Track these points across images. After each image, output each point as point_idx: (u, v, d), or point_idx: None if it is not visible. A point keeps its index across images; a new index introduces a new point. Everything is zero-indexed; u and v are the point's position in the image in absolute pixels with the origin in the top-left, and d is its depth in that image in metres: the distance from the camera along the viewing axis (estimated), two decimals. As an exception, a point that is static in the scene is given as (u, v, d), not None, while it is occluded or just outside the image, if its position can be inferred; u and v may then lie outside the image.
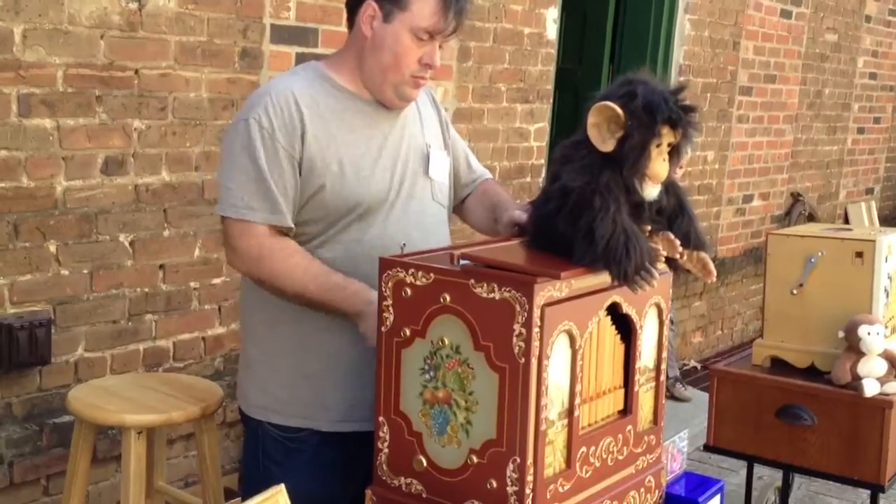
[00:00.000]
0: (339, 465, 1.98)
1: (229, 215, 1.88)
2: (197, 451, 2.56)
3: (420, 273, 1.62)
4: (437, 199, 2.05)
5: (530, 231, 1.76)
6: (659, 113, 1.58)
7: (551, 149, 4.39)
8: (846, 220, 7.58)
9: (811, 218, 6.81)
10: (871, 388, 2.48)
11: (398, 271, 1.65)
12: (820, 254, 2.62)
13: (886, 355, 2.52)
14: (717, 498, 1.99)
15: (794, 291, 2.65)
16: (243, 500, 1.74)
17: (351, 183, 1.90)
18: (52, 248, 2.80)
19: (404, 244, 1.83)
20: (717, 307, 6.17)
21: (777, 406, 2.62)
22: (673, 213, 1.73)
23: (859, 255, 2.57)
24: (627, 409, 1.77)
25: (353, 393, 1.92)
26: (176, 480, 3.15)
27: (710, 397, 2.75)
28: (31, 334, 2.74)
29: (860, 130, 7.65)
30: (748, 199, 6.32)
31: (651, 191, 1.66)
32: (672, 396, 4.99)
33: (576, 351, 1.61)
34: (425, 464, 1.66)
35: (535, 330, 1.52)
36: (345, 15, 2.01)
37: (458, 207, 2.23)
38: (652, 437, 1.84)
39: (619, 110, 1.59)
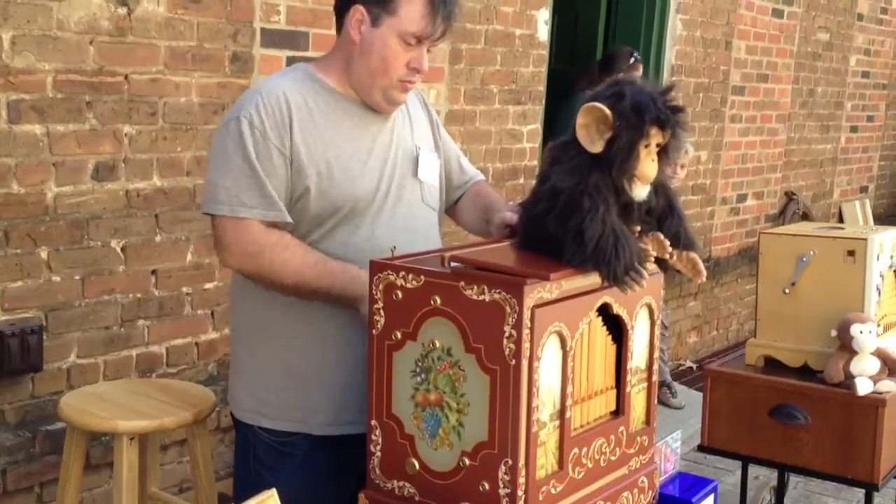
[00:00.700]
0: (330, 469, 1.97)
1: (223, 213, 1.88)
2: (190, 457, 2.55)
3: (410, 276, 1.62)
4: (427, 202, 2.05)
5: (520, 232, 1.76)
6: (647, 113, 1.58)
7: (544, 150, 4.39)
8: (840, 219, 7.59)
9: (805, 217, 6.82)
10: (863, 387, 2.48)
11: (389, 274, 1.65)
12: (812, 253, 2.62)
13: (879, 354, 2.52)
14: (711, 498, 1.99)
15: (787, 290, 2.65)
16: (235, 505, 1.74)
17: (338, 183, 1.90)
18: (44, 255, 2.79)
19: (395, 247, 1.83)
20: (711, 307, 6.17)
21: (771, 405, 2.62)
22: (662, 213, 1.72)
23: (851, 253, 2.58)
24: (619, 410, 1.77)
25: (343, 396, 1.92)
26: (170, 486, 3.14)
27: (704, 397, 2.75)
28: (23, 341, 2.73)
29: (853, 129, 7.66)
30: (742, 198, 6.32)
31: (640, 191, 1.66)
32: (661, 402, 4.95)
33: (567, 352, 1.61)
34: (418, 467, 1.65)
35: (526, 331, 1.52)
36: (333, 19, 2.01)
37: (451, 209, 2.23)
38: (644, 437, 1.84)
39: (608, 111, 1.59)
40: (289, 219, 1.88)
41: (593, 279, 1.63)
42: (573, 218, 1.59)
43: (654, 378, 1.86)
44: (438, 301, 1.59)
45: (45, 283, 2.81)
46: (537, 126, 4.58)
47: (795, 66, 6.59)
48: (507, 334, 1.52)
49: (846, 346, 2.51)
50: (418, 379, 1.63)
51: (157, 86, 2.97)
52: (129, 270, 3.00)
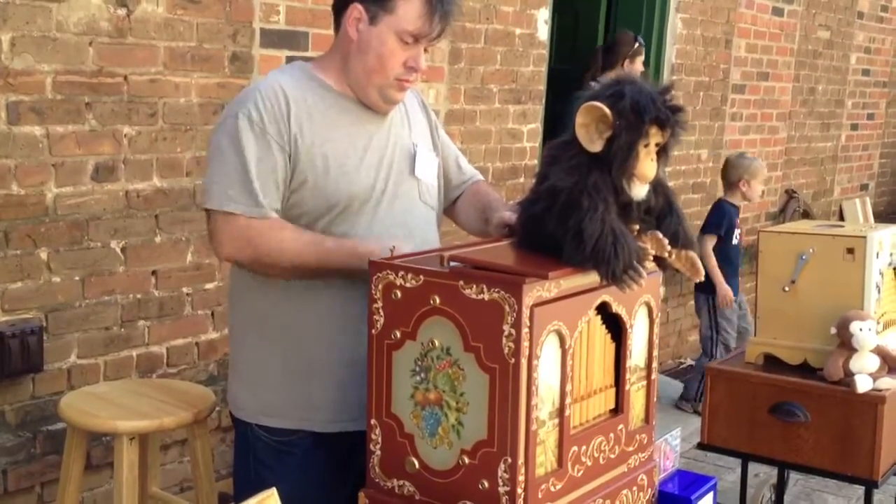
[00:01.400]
0: (330, 468, 1.98)
1: (213, 207, 1.88)
2: (190, 457, 2.56)
3: (410, 275, 1.63)
4: (425, 200, 2.05)
5: (519, 232, 1.76)
6: (646, 113, 1.58)
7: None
8: (841, 217, 7.59)
9: (806, 215, 6.82)
10: (863, 384, 2.48)
11: (388, 273, 1.65)
12: (811, 250, 2.62)
13: (878, 351, 2.52)
14: (710, 495, 1.99)
15: (786, 288, 2.65)
16: (235, 504, 1.74)
17: (334, 179, 1.90)
18: (44, 256, 2.79)
19: (394, 247, 1.83)
20: (712, 305, 6.17)
21: (770, 403, 2.62)
22: (661, 212, 1.73)
23: (850, 251, 2.58)
24: (619, 408, 1.77)
25: (343, 393, 1.92)
26: (171, 486, 3.15)
27: (704, 395, 2.76)
28: (23, 342, 2.73)
29: (854, 127, 7.66)
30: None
31: (639, 190, 1.66)
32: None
33: (566, 350, 1.61)
34: (417, 465, 1.66)
35: (525, 330, 1.52)
36: (332, 17, 2.01)
37: (450, 209, 2.24)
38: (644, 435, 1.84)
39: (607, 110, 1.60)
40: (273, 216, 1.88)
41: (592, 278, 1.63)
42: (572, 217, 1.60)
43: (654, 376, 1.86)
44: (437, 300, 1.59)
45: (45, 284, 2.81)
46: (537, 125, 4.58)
47: (796, 64, 6.59)
48: (506, 333, 1.53)
49: (846, 344, 2.51)
50: (418, 378, 1.64)
51: (156, 86, 2.98)
52: (129, 271, 3.00)
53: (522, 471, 1.56)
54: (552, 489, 1.62)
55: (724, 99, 5.91)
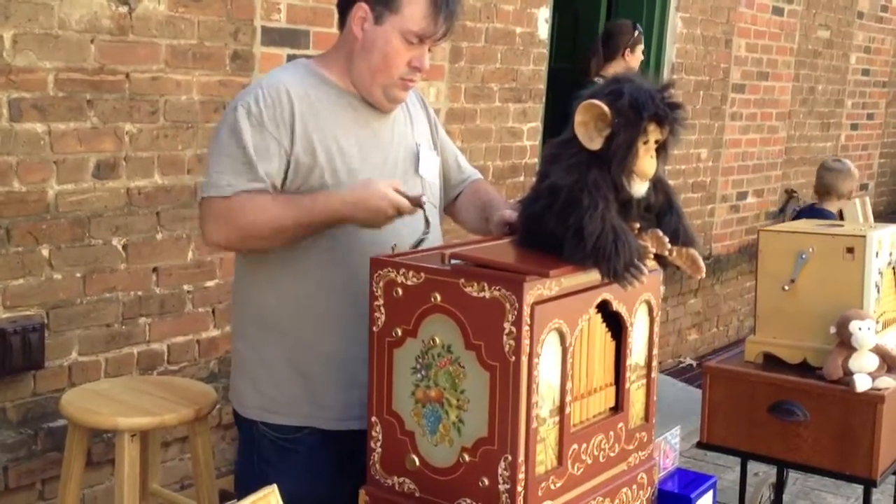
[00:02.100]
0: (334, 465, 1.98)
1: (210, 195, 1.88)
2: (191, 454, 2.56)
3: (411, 273, 1.63)
4: (428, 198, 2.05)
5: (520, 230, 1.76)
6: (645, 110, 1.59)
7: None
8: (841, 216, 7.59)
9: (805, 214, 6.81)
10: (862, 384, 2.49)
11: (389, 271, 1.65)
12: (811, 250, 2.63)
13: (878, 350, 2.53)
14: (710, 494, 1.99)
15: (786, 287, 2.66)
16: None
17: (339, 177, 1.91)
18: (45, 253, 2.80)
19: (395, 244, 1.84)
20: (712, 304, 6.18)
21: (770, 402, 2.63)
22: (661, 209, 1.73)
23: (850, 250, 2.58)
24: (619, 406, 1.78)
25: (350, 391, 1.93)
26: (172, 483, 3.15)
27: (704, 394, 2.76)
28: (25, 339, 2.74)
29: (853, 127, 7.66)
30: (742, 196, 6.33)
31: (639, 188, 1.66)
32: None
33: (566, 349, 1.61)
34: (418, 463, 1.66)
35: (526, 328, 1.53)
36: (336, 15, 2.02)
37: (449, 208, 2.24)
38: (644, 433, 1.85)
39: (606, 108, 1.60)
40: (256, 187, 1.86)
41: (593, 276, 1.64)
42: (573, 215, 1.60)
43: (654, 374, 1.87)
44: (439, 298, 1.60)
45: (47, 281, 2.81)
46: (537, 124, 4.58)
47: (796, 63, 6.59)
48: (506, 331, 1.53)
49: (845, 343, 2.52)
50: (419, 376, 1.64)
51: (157, 84, 2.98)
52: (130, 268, 3.01)
53: (523, 468, 1.56)
54: (552, 487, 1.63)
55: (723, 98, 5.91)
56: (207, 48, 3.09)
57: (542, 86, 4.58)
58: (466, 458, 1.60)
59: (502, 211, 1.99)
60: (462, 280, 1.57)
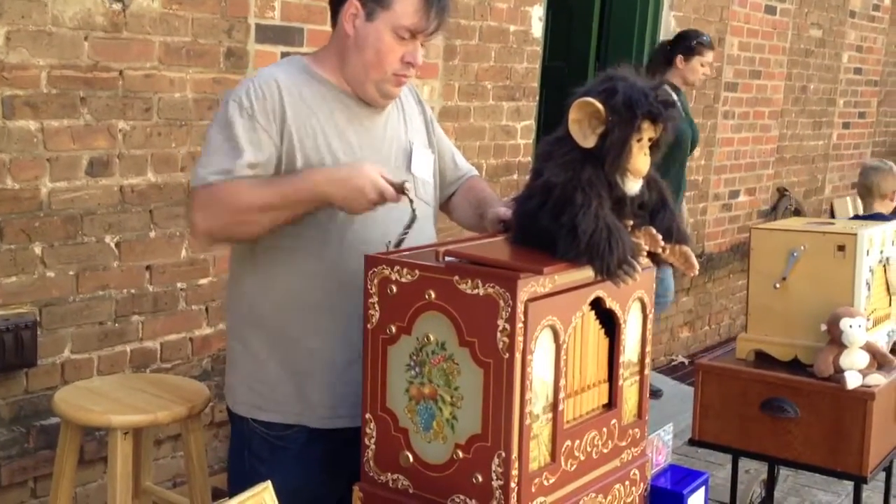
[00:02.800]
0: (326, 462, 1.98)
1: (196, 185, 1.88)
2: (184, 452, 2.56)
3: (405, 270, 1.64)
4: (421, 196, 2.06)
5: (514, 227, 1.77)
6: (639, 108, 1.59)
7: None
8: (832, 215, 7.62)
9: (797, 213, 6.84)
10: (853, 381, 2.50)
11: (383, 268, 1.66)
12: (802, 248, 2.64)
13: (868, 348, 2.54)
14: (702, 490, 2.00)
15: (777, 285, 2.67)
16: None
17: None
18: (38, 250, 2.79)
19: (389, 241, 1.84)
20: (704, 302, 6.20)
21: (761, 399, 2.64)
22: (655, 207, 1.74)
23: (841, 248, 2.59)
24: (612, 403, 1.79)
25: (340, 389, 1.93)
26: (164, 481, 3.15)
27: (695, 391, 2.77)
28: (17, 336, 2.73)
29: (845, 125, 7.69)
30: (734, 194, 6.34)
31: (633, 185, 1.67)
32: None
33: (560, 345, 1.62)
34: (412, 459, 1.67)
35: (519, 325, 1.53)
36: (328, 13, 2.02)
37: (445, 205, 2.24)
38: (636, 430, 1.86)
39: (600, 106, 1.61)
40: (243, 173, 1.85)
41: (586, 273, 1.64)
42: (566, 212, 1.61)
43: (647, 371, 1.88)
44: (433, 295, 1.60)
45: (40, 279, 2.81)
46: (531, 122, 4.59)
47: (788, 62, 6.61)
48: (500, 328, 1.54)
49: (836, 341, 2.53)
50: (412, 372, 1.65)
51: (151, 81, 2.98)
52: (123, 266, 3.01)
53: (516, 465, 1.57)
54: (545, 483, 1.63)
55: (716, 97, 5.92)
56: (201, 45, 3.09)
57: (536, 84, 4.59)
58: (460, 454, 1.61)
59: (496, 208, 1.99)
60: (456, 277, 1.58)
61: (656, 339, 5.59)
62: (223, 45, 3.15)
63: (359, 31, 1.91)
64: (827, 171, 7.54)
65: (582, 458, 1.71)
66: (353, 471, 1.78)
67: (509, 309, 1.53)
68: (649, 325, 1.85)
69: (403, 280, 1.63)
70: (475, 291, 1.56)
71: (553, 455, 1.65)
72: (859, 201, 7.61)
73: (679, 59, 4.73)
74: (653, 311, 1.86)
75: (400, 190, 1.82)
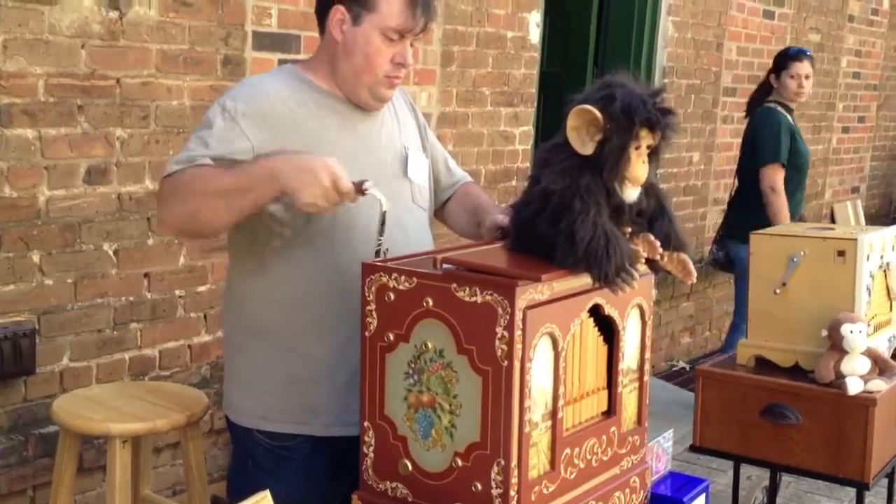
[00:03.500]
0: (330, 471, 1.97)
1: (162, 177, 1.84)
2: (183, 460, 2.55)
3: (403, 277, 1.63)
4: (417, 202, 2.05)
5: (512, 234, 1.76)
6: (637, 115, 1.59)
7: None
8: (832, 220, 7.61)
9: (798, 217, 6.83)
10: (854, 387, 2.49)
11: (381, 276, 1.65)
12: (802, 253, 2.63)
13: (869, 353, 2.53)
14: (703, 497, 2.00)
15: (777, 291, 2.66)
16: (229, 507, 1.73)
17: None
18: (36, 258, 2.79)
19: (387, 248, 1.83)
20: (704, 308, 6.19)
21: (762, 405, 2.63)
22: (653, 214, 1.73)
23: (841, 253, 2.58)
24: (611, 410, 1.78)
25: (344, 397, 1.92)
26: (163, 489, 3.14)
27: (696, 398, 2.76)
28: (16, 344, 2.73)
29: (845, 130, 7.69)
30: (734, 199, 6.33)
31: (631, 193, 1.67)
32: None
33: (558, 353, 1.61)
34: (410, 467, 1.66)
35: (518, 333, 1.53)
36: (316, 20, 2.01)
37: (439, 211, 2.24)
38: (636, 437, 1.85)
39: (598, 113, 1.60)
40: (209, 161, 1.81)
41: (584, 280, 1.64)
42: (564, 220, 1.60)
43: (646, 378, 1.87)
44: (431, 303, 1.60)
45: (38, 287, 2.80)
46: (529, 128, 4.59)
47: (786, 67, 6.60)
48: (499, 335, 1.53)
49: (837, 346, 2.52)
50: (411, 380, 1.64)
51: (148, 89, 2.98)
52: (121, 273, 3.00)
53: (515, 473, 1.56)
54: (545, 491, 1.63)
55: (715, 102, 5.93)
56: (198, 53, 3.09)
57: (534, 90, 4.59)
58: (459, 462, 1.60)
59: (494, 215, 1.98)
60: (454, 285, 1.57)
61: (656, 345, 5.58)
62: (220, 53, 3.15)
63: (347, 35, 1.91)
64: (827, 175, 7.54)
65: (581, 465, 1.70)
66: (356, 479, 1.77)
67: (507, 316, 1.52)
68: (648, 332, 1.85)
69: (401, 287, 1.63)
70: (473, 299, 1.55)
71: (552, 463, 1.64)
72: (860, 206, 7.61)
73: (772, 77, 4.74)
74: (651, 317, 1.85)
75: (359, 189, 1.73)
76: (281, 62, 3.28)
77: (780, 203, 4.55)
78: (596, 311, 1.70)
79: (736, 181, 4.98)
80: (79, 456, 2.53)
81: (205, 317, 3.26)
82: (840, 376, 2.52)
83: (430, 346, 1.61)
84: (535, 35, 4.52)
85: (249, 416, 1.99)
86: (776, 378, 2.65)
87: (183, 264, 3.17)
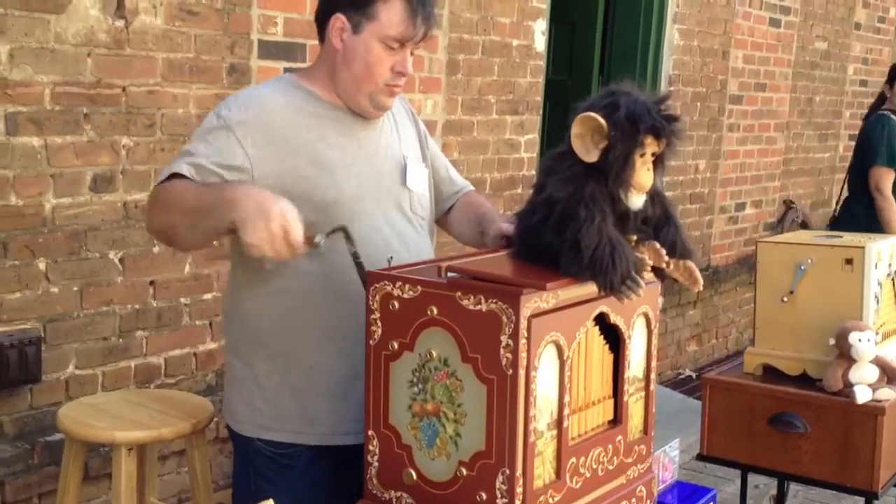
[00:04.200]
0: (331, 480, 1.97)
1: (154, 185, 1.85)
2: (188, 468, 2.55)
3: (407, 286, 1.62)
4: (416, 211, 2.05)
5: (516, 242, 1.76)
6: (642, 123, 1.58)
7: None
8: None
9: (804, 225, 6.82)
10: (862, 395, 2.48)
11: (385, 284, 1.65)
12: (810, 261, 2.62)
13: (877, 362, 2.52)
14: (709, 507, 1.99)
15: (785, 299, 2.65)
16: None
17: (323, 189, 1.89)
18: (42, 266, 2.79)
19: (391, 257, 1.83)
20: (711, 315, 6.17)
21: (770, 414, 2.62)
22: (659, 222, 1.72)
23: (849, 261, 2.57)
24: (617, 419, 1.77)
25: (341, 406, 1.92)
26: (169, 497, 3.14)
27: (703, 406, 2.75)
28: (22, 352, 2.73)
29: (852, 137, 7.67)
30: (740, 207, 6.33)
31: (636, 200, 1.66)
32: None
33: (564, 361, 1.61)
34: (415, 477, 1.65)
35: (523, 341, 1.52)
36: (315, 29, 2.02)
37: (442, 220, 2.23)
38: (642, 446, 1.84)
39: (603, 121, 1.60)
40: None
41: (590, 289, 1.63)
42: (569, 228, 1.59)
43: (652, 387, 1.86)
44: (435, 311, 1.59)
45: (44, 295, 2.81)
46: (535, 136, 4.59)
47: (793, 74, 6.60)
48: (503, 344, 1.52)
49: (845, 355, 2.51)
50: (415, 389, 1.63)
51: (154, 97, 2.98)
52: (127, 281, 3.00)
53: (520, 482, 1.55)
54: (550, 501, 1.62)
55: (721, 110, 5.92)
56: (204, 62, 3.09)
57: (540, 98, 4.59)
58: (464, 471, 1.59)
59: (499, 224, 1.98)
60: (459, 293, 1.56)
61: (662, 353, 5.57)
62: (226, 61, 3.15)
63: (347, 44, 1.91)
64: (833, 183, 7.52)
65: (587, 475, 1.69)
66: (358, 488, 1.77)
67: (512, 325, 1.51)
68: (654, 340, 1.84)
69: (405, 296, 1.62)
70: (478, 307, 1.55)
71: (558, 472, 1.63)
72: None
73: (886, 87, 4.94)
74: (657, 325, 1.84)
75: (310, 242, 1.67)
76: (287, 71, 3.28)
77: (886, 206, 4.77)
78: (601, 320, 1.69)
79: (846, 189, 5.19)
80: (84, 464, 2.52)
81: (210, 324, 3.27)
82: (848, 385, 2.51)
83: (434, 354, 1.60)
84: (540, 43, 4.52)
85: (249, 424, 1.98)
86: (784, 386, 2.64)
87: (189, 272, 3.17)
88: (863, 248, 2.57)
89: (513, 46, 4.36)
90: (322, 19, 1.96)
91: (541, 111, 4.62)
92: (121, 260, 2.98)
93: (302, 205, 1.86)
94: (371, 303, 1.66)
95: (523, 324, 1.51)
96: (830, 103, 7.19)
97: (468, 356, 1.57)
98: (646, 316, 1.80)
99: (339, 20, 1.90)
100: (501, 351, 1.53)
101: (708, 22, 5.65)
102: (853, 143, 7.65)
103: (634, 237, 1.69)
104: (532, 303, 1.53)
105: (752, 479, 3.07)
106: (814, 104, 6.96)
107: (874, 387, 2.51)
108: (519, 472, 1.55)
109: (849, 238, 2.78)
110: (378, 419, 1.68)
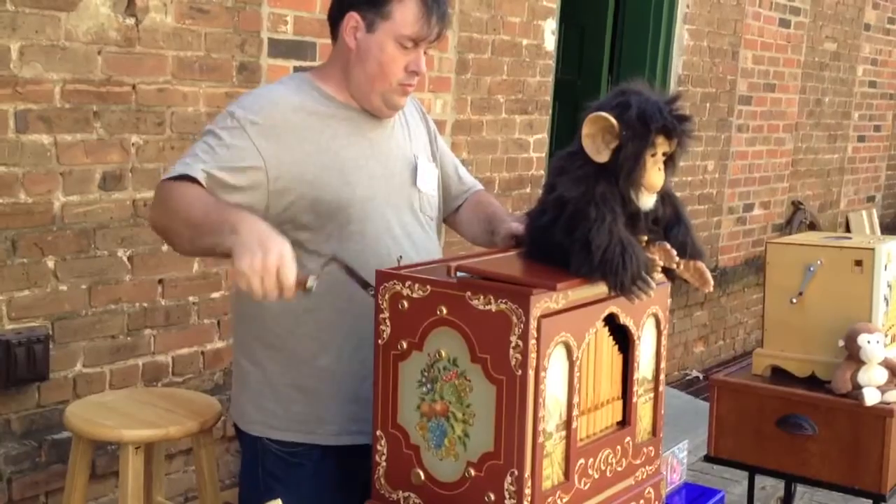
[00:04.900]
0: (340, 479, 1.97)
1: (161, 180, 1.83)
2: (195, 466, 2.55)
3: (417, 285, 1.62)
4: (425, 211, 2.04)
5: (527, 242, 1.75)
6: (653, 122, 1.58)
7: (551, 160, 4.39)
8: (847, 229, 7.57)
9: (812, 226, 6.80)
10: (871, 397, 2.47)
11: (395, 284, 1.64)
12: (819, 262, 2.61)
13: (887, 364, 2.51)
14: (718, 509, 1.98)
15: (794, 300, 2.64)
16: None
17: (335, 189, 1.88)
18: (51, 264, 2.80)
19: (401, 256, 1.83)
20: (718, 316, 6.16)
21: (778, 416, 2.61)
22: (669, 222, 1.72)
23: (858, 263, 2.57)
24: (626, 421, 1.76)
25: (350, 406, 1.91)
26: (176, 495, 3.14)
27: (711, 407, 2.74)
28: (30, 350, 2.73)
29: (860, 138, 7.65)
30: (749, 207, 6.31)
31: (647, 200, 1.65)
32: None
33: (573, 362, 1.60)
34: (423, 477, 1.65)
35: (532, 342, 1.51)
36: (328, 27, 2.01)
37: (451, 219, 2.23)
38: (651, 448, 1.83)
39: (613, 120, 1.59)
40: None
41: (600, 289, 1.63)
42: (580, 228, 1.59)
43: (661, 388, 1.85)
44: (444, 311, 1.59)
45: (52, 293, 2.81)
46: (544, 135, 4.58)
47: (802, 75, 6.58)
48: (513, 344, 1.52)
49: (854, 356, 2.50)
50: (424, 389, 1.63)
51: (164, 95, 2.98)
52: (135, 280, 3.01)
53: (529, 483, 1.55)
54: (559, 502, 1.61)
55: (730, 110, 5.90)
56: (214, 60, 3.10)
57: (549, 97, 4.58)
58: (472, 472, 1.59)
59: (509, 224, 1.98)
60: (468, 293, 1.56)
61: (670, 354, 5.56)
62: (236, 60, 3.16)
63: (360, 43, 1.90)
64: (842, 184, 7.50)
65: (596, 476, 1.69)
66: (367, 488, 1.76)
67: (522, 325, 1.51)
68: (664, 341, 1.83)
69: (415, 296, 1.62)
70: (487, 307, 1.54)
71: (566, 473, 1.63)
72: (875, 215, 7.57)
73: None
74: (667, 326, 1.84)
75: (301, 285, 1.63)
76: (297, 69, 3.28)
77: None
78: (611, 320, 1.69)
79: None
80: (91, 462, 2.52)
81: (218, 323, 3.27)
82: (857, 387, 2.50)
83: (443, 354, 1.60)
84: (550, 43, 4.51)
85: (258, 424, 1.98)
86: (792, 388, 2.63)
87: (197, 271, 3.17)
88: (872, 249, 2.56)
89: (522, 46, 4.36)
90: (335, 17, 1.95)
91: (550, 111, 4.61)
92: (129, 258, 2.98)
93: (315, 204, 1.86)
94: (380, 302, 1.65)
95: (533, 324, 1.51)
96: (839, 104, 7.17)
97: (477, 356, 1.56)
98: (656, 317, 1.79)
99: (353, 19, 1.90)
100: (511, 351, 1.52)
101: (718, 22, 5.64)
102: (862, 145, 7.68)
103: (645, 237, 1.69)
104: (542, 303, 1.52)
105: (760, 480, 3.06)
106: (823, 105, 6.94)
107: (883, 389, 2.50)
108: (528, 473, 1.54)
109: (858, 239, 2.77)
110: (386, 419, 1.68)
